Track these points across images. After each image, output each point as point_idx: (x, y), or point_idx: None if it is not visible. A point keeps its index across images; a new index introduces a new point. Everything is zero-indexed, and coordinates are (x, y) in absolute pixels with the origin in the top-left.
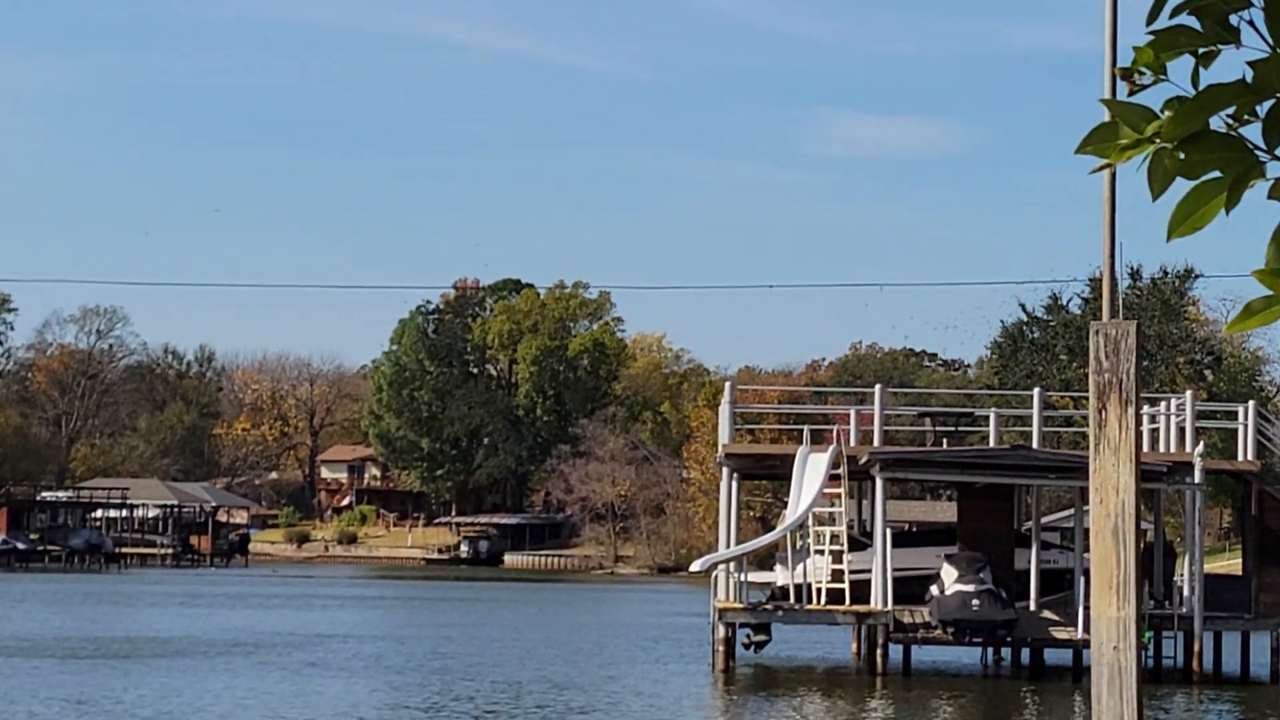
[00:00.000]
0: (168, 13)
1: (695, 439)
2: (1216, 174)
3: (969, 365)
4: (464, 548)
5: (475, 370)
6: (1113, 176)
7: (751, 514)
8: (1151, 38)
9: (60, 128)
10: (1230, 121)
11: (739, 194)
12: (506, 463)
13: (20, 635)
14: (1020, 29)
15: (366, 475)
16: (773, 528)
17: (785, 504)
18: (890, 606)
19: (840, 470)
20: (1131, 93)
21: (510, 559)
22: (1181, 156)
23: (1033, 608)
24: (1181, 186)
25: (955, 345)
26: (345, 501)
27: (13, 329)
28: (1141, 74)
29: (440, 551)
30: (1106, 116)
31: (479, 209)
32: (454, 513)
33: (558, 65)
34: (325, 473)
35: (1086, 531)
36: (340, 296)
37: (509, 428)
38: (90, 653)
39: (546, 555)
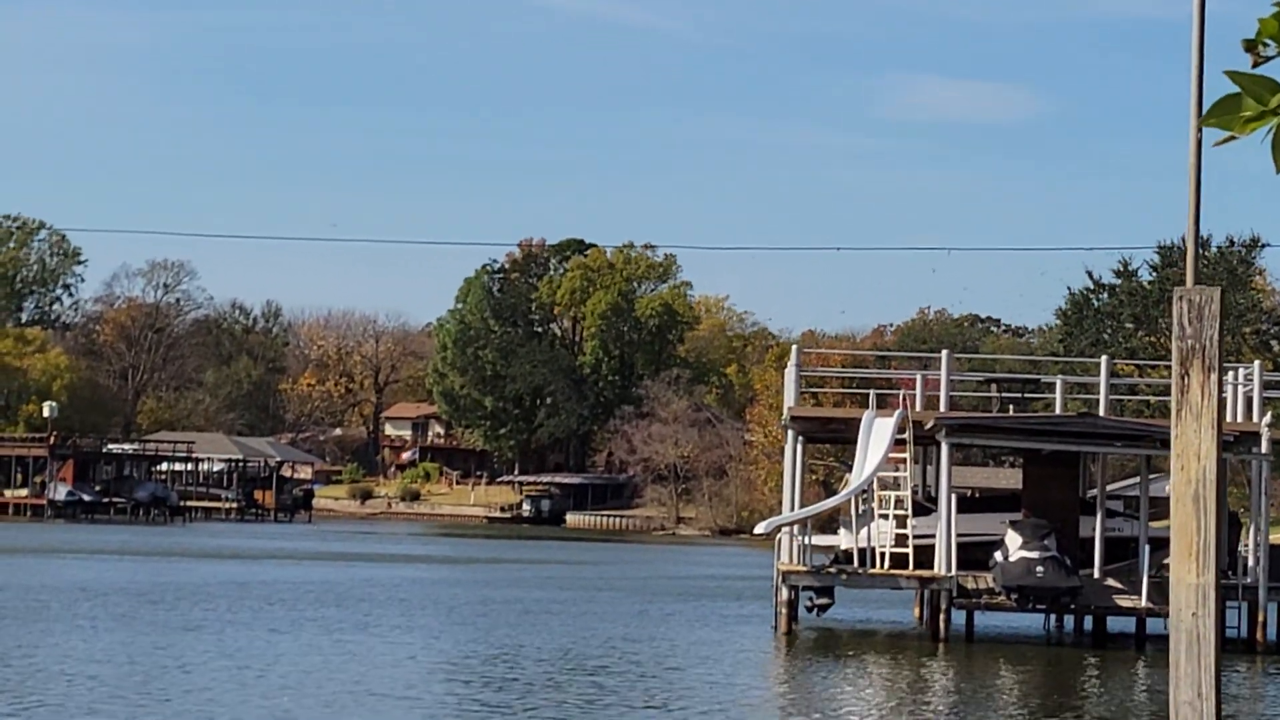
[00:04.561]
0: None
1: (759, 402)
2: None
3: (1031, 331)
4: (526, 507)
5: (539, 330)
6: (1198, 143)
7: (814, 477)
8: (1276, 8)
9: (134, 83)
10: None
11: (809, 158)
12: (569, 422)
13: (81, 585)
14: None
15: (430, 433)
16: (835, 492)
17: (849, 468)
18: (954, 572)
19: (906, 435)
20: (1255, 64)
21: (572, 518)
22: None
23: (1097, 575)
24: None
25: (1021, 311)
26: (408, 459)
27: (83, 281)
28: (1265, 45)
29: (502, 510)
30: (1191, 97)
31: (546, 169)
32: (516, 471)
33: (631, 26)
34: (389, 430)
35: (1151, 500)
36: (406, 254)
37: (572, 387)
38: (146, 604)
39: (608, 515)
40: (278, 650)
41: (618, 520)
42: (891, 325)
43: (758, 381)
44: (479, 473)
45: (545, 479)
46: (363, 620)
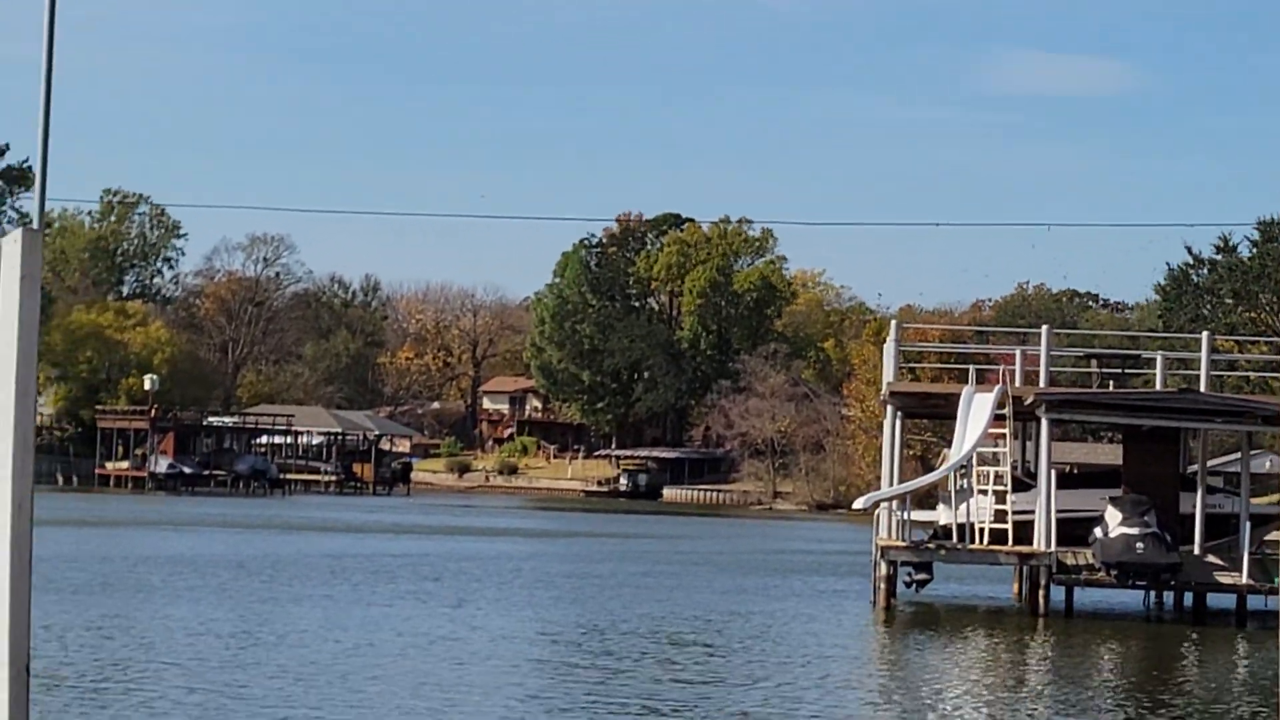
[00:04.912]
0: None
1: (856, 376)
2: None
3: (1130, 307)
4: (623, 480)
5: (637, 304)
6: None
7: (911, 453)
8: None
9: (234, 59)
10: None
11: (907, 132)
12: (666, 397)
13: (181, 557)
14: None
15: (528, 407)
16: (932, 467)
17: (947, 443)
18: (1053, 548)
19: (1005, 411)
20: None
21: (669, 493)
22: None
23: (1197, 551)
24: None
25: (1120, 287)
26: (506, 433)
27: (183, 254)
28: None
29: (600, 484)
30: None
31: (644, 144)
32: (614, 445)
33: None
34: (487, 403)
35: (1252, 476)
36: (504, 228)
37: (670, 362)
38: (245, 576)
39: (705, 490)
40: (375, 622)
41: (715, 495)
42: (990, 300)
43: (855, 356)
44: (576, 447)
45: (642, 453)
46: (460, 593)
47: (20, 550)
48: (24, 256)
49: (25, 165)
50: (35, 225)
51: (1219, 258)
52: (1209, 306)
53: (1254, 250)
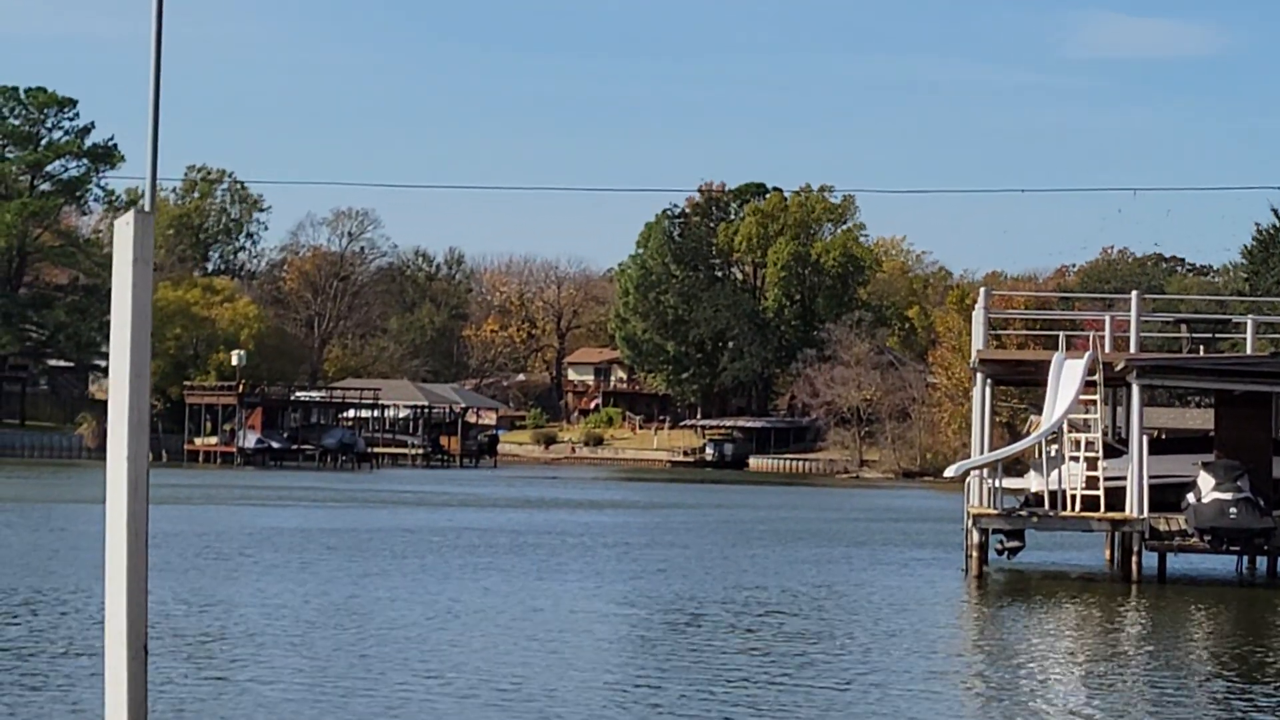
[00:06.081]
0: None
1: (941, 344)
2: None
3: (1214, 269)
4: (709, 450)
5: (721, 274)
6: None
7: (998, 419)
8: None
9: (316, 31)
10: None
11: (989, 97)
12: (752, 366)
13: (270, 531)
14: None
15: (613, 378)
16: (1018, 434)
17: (1034, 410)
18: (1146, 514)
19: (1096, 377)
20: None
21: (755, 462)
22: None
23: None
24: None
25: (1205, 250)
26: (592, 404)
27: (266, 228)
28: None
29: (685, 454)
30: None
31: (725, 112)
32: (699, 415)
33: None
34: (572, 375)
35: None
36: (587, 199)
37: (755, 331)
38: (329, 550)
39: (791, 459)
40: (462, 595)
41: (801, 463)
42: (1074, 266)
43: (940, 324)
44: (662, 417)
45: (728, 423)
46: (547, 565)
47: (137, 530)
48: (136, 239)
49: (110, 144)
50: (147, 207)
51: None
52: None
53: None
